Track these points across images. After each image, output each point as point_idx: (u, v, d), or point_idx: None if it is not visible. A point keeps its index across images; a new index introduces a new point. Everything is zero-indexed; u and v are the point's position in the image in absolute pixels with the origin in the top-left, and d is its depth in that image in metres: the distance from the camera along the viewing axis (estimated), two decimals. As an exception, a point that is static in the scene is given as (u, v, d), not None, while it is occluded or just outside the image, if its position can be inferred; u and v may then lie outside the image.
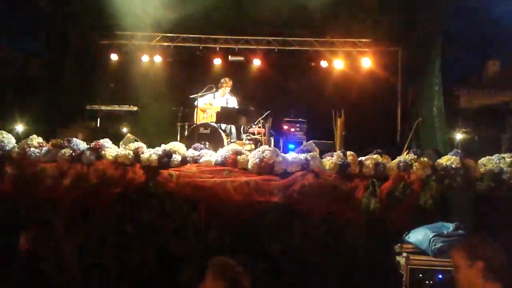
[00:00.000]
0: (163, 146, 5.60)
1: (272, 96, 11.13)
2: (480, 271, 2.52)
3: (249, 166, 5.34)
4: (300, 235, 5.16)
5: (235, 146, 5.71)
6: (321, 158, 5.49)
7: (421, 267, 4.47)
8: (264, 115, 8.87)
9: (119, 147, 5.75)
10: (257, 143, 8.48)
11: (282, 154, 5.53)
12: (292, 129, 10.13)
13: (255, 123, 8.90)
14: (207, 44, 11.43)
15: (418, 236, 4.64)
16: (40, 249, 3.14)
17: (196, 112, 8.86)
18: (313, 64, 11.67)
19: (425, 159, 5.36)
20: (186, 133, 8.52)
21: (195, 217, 5.16)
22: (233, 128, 8.71)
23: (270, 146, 6.98)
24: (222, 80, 9.25)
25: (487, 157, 5.59)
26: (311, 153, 5.51)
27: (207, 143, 6.20)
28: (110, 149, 5.57)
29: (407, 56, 11.30)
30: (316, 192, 5.19)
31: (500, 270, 2.51)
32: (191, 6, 9.54)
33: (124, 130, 9.18)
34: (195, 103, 8.84)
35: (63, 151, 5.49)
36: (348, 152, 5.48)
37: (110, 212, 5.22)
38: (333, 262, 5.14)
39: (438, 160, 5.43)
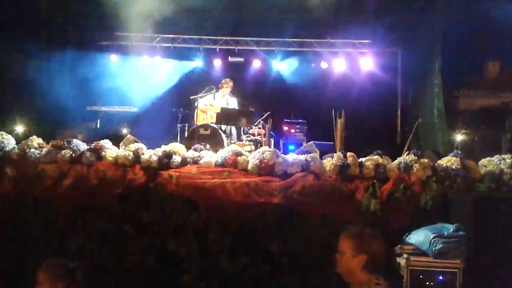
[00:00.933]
0: (163, 147, 5.59)
1: (272, 97, 11.14)
2: (361, 262, 2.79)
3: (249, 167, 5.34)
4: (300, 236, 5.16)
5: (235, 147, 5.70)
6: (321, 159, 5.49)
7: (422, 268, 4.47)
8: (264, 116, 8.88)
9: (119, 148, 5.74)
10: (257, 144, 8.49)
11: (282, 155, 5.52)
12: (292, 130, 10.14)
13: (255, 124, 8.90)
14: (207, 45, 11.44)
15: (419, 237, 4.63)
16: None
17: (196, 113, 8.86)
18: (313, 65, 11.68)
19: (426, 160, 5.35)
20: (186, 134, 8.52)
21: (195, 218, 5.16)
22: (233, 129, 8.71)
23: (270, 147, 6.98)
24: (223, 81, 9.26)
25: (488, 158, 5.57)
26: (311, 154, 5.50)
27: (208, 145, 6.20)
28: (110, 150, 5.56)
29: (407, 57, 11.32)
30: (316, 193, 5.18)
31: (378, 264, 2.80)
32: (191, 7, 9.55)
33: (124, 131, 9.18)
34: (195, 104, 8.84)
35: (63, 152, 5.48)
36: (348, 153, 5.47)
37: (110, 213, 5.22)
38: (333, 263, 5.13)
39: (439, 161, 5.42)
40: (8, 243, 5.20)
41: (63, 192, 5.26)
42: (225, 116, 8.36)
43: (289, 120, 10.28)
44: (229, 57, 11.54)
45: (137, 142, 5.89)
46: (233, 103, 9.17)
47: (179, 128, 8.88)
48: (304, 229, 5.16)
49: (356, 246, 2.84)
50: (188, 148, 5.83)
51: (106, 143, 5.65)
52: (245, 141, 8.59)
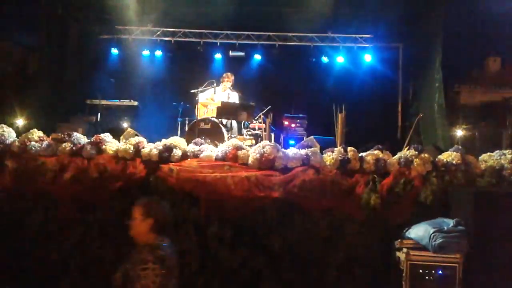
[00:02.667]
0: (164, 141, 5.59)
1: (273, 92, 11.12)
2: (149, 225, 3.39)
3: (250, 161, 5.34)
4: (300, 230, 5.17)
5: (235, 141, 5.70)
6: (322, 153, 5.48)
7: (421, 262, 4.49)
8: (265, 110, 8.87)
9: (119, 142, 5.74)
10: (257, 138, 8.49)
11: (283, 149, 5.52)
12: (293, 125, 10.12)
13: (256, 118, 8.90)
14: (208, 39, 11.41)
15: (419, 232, 4.64)
16: None
17: (197, 107, 8.85)
18: (314, 59, 11.65)
19: (426, 155, 5.35)
20: (186, 128, 8.52)
21: (195, 211, 5.16)
22: (234, 123, 8.70)
23: (270, 141, 6.98)
24: (224, 75, 9.24)
25: (488, 153, 5.58)
26: (312, 149, 5.50)
27: (208, 139, 6.20)
28: (110, 143, 5.56)
29: (408, 52, 11.30)
30: (316, 188, 5.18)
31: (163, 226, 3.43)
32: (191, 0, 9.52)
33: (125, 124, 9.17)
34: (196, 98, 8.83)
35: (63, 145, 5.48)
36: (349, 148, 5.47)
37: (110, 206, 5.22)
38: (333, 257, 5.15)
39: (439, 156, 5.43)
40: (8, 236, 5.21)
41: (63, 185, 5.26)
42: (225, 110, 8.35)
43: (289, 115, 10.26)
44: (230, 51, 11.51)
45: (138, 136, 5.89)
46: (234, 97, 9.16)
47: (179, 122, 8.87)
48: (304, 223, 5.18)
49: (144, 212, 3.41)
50: (188, 142, 5.83)
51: (106, 136, 5.65)
52: (246, 135, 8.59)
